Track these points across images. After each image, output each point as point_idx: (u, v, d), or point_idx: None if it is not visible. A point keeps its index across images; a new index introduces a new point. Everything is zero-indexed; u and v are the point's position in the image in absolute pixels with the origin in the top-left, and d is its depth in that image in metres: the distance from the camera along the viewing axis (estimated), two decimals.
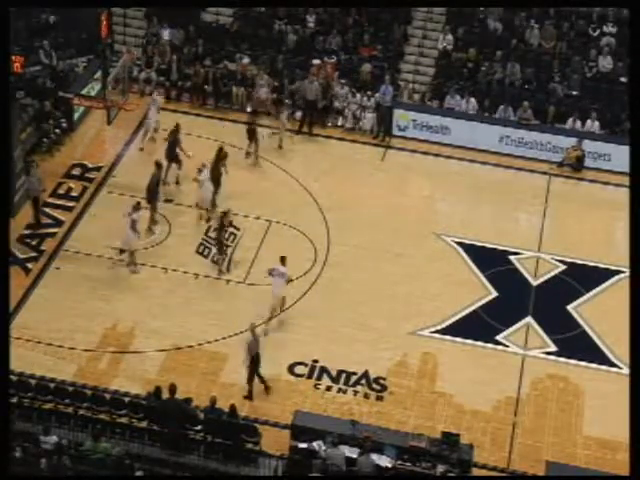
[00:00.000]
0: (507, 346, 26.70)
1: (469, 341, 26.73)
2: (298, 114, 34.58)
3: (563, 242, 30.11)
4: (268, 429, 23.48)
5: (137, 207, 27.86)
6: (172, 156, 30.74)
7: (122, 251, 28.02)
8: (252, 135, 32.06)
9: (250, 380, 24.55)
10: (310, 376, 25.45)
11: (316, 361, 25.75)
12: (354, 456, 21.93)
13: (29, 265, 28.20)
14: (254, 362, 24.40)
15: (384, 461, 21.93)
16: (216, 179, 29.57)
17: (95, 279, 27.76)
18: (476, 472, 22.76)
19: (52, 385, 23.69)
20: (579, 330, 27.29)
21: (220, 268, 28.15)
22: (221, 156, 29.82)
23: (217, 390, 24.35)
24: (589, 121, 33.48)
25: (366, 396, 25.09)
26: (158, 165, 29.45)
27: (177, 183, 30.97)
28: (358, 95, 34.36)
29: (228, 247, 28.52)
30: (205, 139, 32.99)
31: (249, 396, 24.58)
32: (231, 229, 29.60)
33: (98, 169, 31.87)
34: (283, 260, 26.46)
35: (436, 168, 33.16)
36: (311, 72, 34.72)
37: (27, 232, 29.17)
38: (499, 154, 33.57)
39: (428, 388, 25.37)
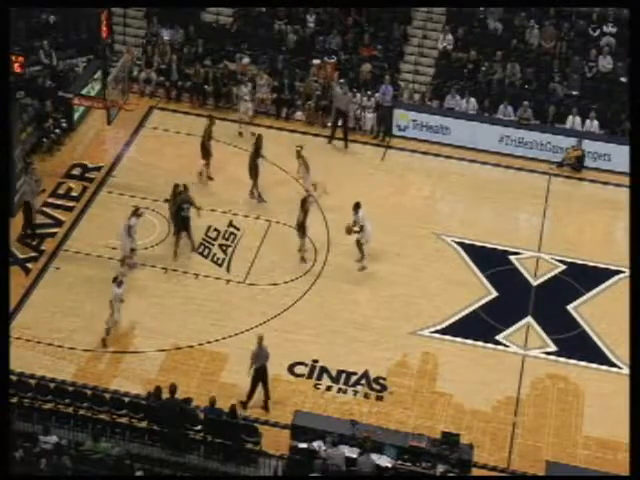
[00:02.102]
0: (507, 346, 26.70)
1: (469, 341, 26.73)
2: (298, 114, 34.63)
3: (563, 242, 30.12)
4: (268, 429, 23.49)
5: (135, 212, 27.76)
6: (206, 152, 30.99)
7: (132, 250, 28.05)
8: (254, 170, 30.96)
9: (250, 392, 24.29)
10: (310, 376, 25.45)
11: (316, 361, 25.75)
12: (354, 456, 21.95)
13: (29, 265, 28.20)
14: (258, 374, 24.17)
15: (384, 461, 21.95)
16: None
17: (95, 279, 27.74)
18: (476, 472, 22.77)
19: (52, 385, 23.70)
20: (579, 330, 27.29)
21: (302, 254, 28.50)
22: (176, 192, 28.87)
23: (217, 390, 24.37)
24: (588, 120, 33.49)
25: (366, 396, 25.09)
26: (185, 187, 28.72)
27: (209, 178, 31.13)
28: (358, 95, 34.37)
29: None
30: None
31: (244, 404, 24.31)
32: (231, 229, 29.66)
33: (98, 169, 31.87)
34: (357, 207, 27.86)
35: (436, 168, 33.15)
36: (311, 72, 34.80)
37: (27, 232, 29.14)
38: (499, 154, 33.57)
39: (428, 388, 25.38)
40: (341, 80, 34.17)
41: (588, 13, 36.14)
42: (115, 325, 25.82)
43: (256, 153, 30.62)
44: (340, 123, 33.60)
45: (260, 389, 24.36)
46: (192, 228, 28.46)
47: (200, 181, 30.99)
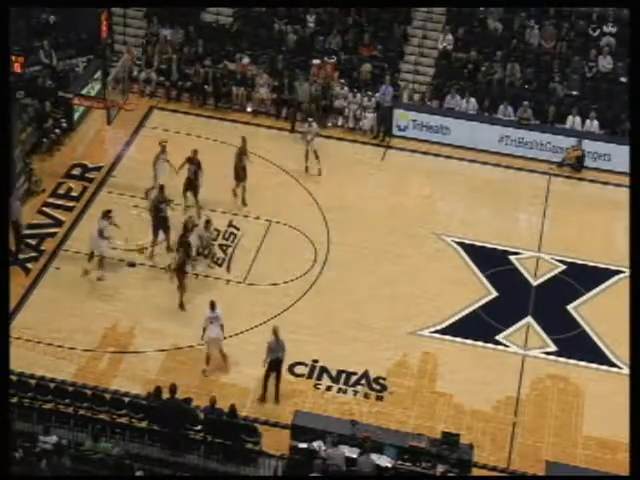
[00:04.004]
0: (507, 346, 26.70)
1: (469, 341, 26.74)
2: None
3: (563, 242, 30.12)
4: (268, 429, 23.48)
5: (105, 215, 27.67)
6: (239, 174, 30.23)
7: (91, 256, 27.80)
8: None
9: (264, 382, 24.47)
10: (310, 376, 25.45)
11: (316, 361, 25.75)
12: (354, 456, 21.94)
13: (29, 265, 28.20)
14: (271, 366, 24.28)
15: (384, 461, 21.94)
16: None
17: (95, 279, 27.74)
18: (476, 472, 22.77)
19: (52, 385, 23.69)
20: (579, 330, 27.29)
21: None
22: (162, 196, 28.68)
23: (217, 390, 24.37)
24: (588, 120, 33.50)
25: (366, 396, 25.09)
26: (161, 187, 28.60)
27: (243, 204, 30.55)
28: (358, 95, 34.37)
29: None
30: (205, 139, 33.01)
31: (261, 399, 24.57)
32: (231, 229, 29.67)
33: (98, 169, 31.87)
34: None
35: (436, 168, 33.16)
36: (312, 72, 34.80)
37: (27, 232, 29.14)
38: (499, 154, 33.57)
39: (428, 388, 25.38)
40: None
41: (588, 13, 36.14)
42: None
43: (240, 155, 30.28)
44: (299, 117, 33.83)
45: (272, 382, 24.52)
46: (170, 228, 28.38)
47: (235, 200, 30.51)
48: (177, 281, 26.73)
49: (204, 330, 24.92)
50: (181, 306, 26.90)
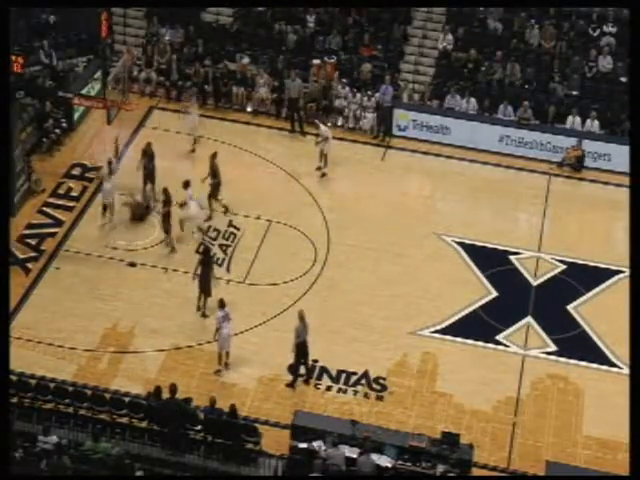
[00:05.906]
0: (507, 346, 26.70)
1: (469, 341, 26.74)
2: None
3: (563, 242, 30.13)
4: (268, 429, 23.49)
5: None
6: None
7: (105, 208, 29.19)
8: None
9: (295, 368, 24.82)
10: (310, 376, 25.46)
11: (316, 361, 25.74)
12: (354, 456, 21.95)
13: (29, 265, 28.20)
14: (299, 349, 24.63)
15: (384, 461, 21.95)
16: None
17: (95, 279, 27.78)
18: (476, 472, 22.78)
19: (52, 385, 23.71)
20: (579, 330, 27.30)
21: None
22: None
23: (217, 390, 24.38)
24: (589, 120, 33.51)
25: (366, 396, 25.09)
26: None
27: (225, 211, 30.25)
28: (358, 95, 34.37)
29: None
30: (205, 139, 32.99)
31: (291, 384, 24.94)
32: (231, 229, 29.67)
33: (98, 169, 31.86)
34: (187, 185, 28.80)
35: (436, 168, 33.16)
36: (311, 72, 34.80)
37: (27, 232, 29.16)
38: (499, 154, 33.57)
39: (428, 388, 25.38)
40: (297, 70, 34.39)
41: (588, 13, 36.15)
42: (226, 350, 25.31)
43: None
44: (296, 116, 33.77)
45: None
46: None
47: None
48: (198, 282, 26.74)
49: (217, 330, 25.00)
50: (198, 309, 26.95)
